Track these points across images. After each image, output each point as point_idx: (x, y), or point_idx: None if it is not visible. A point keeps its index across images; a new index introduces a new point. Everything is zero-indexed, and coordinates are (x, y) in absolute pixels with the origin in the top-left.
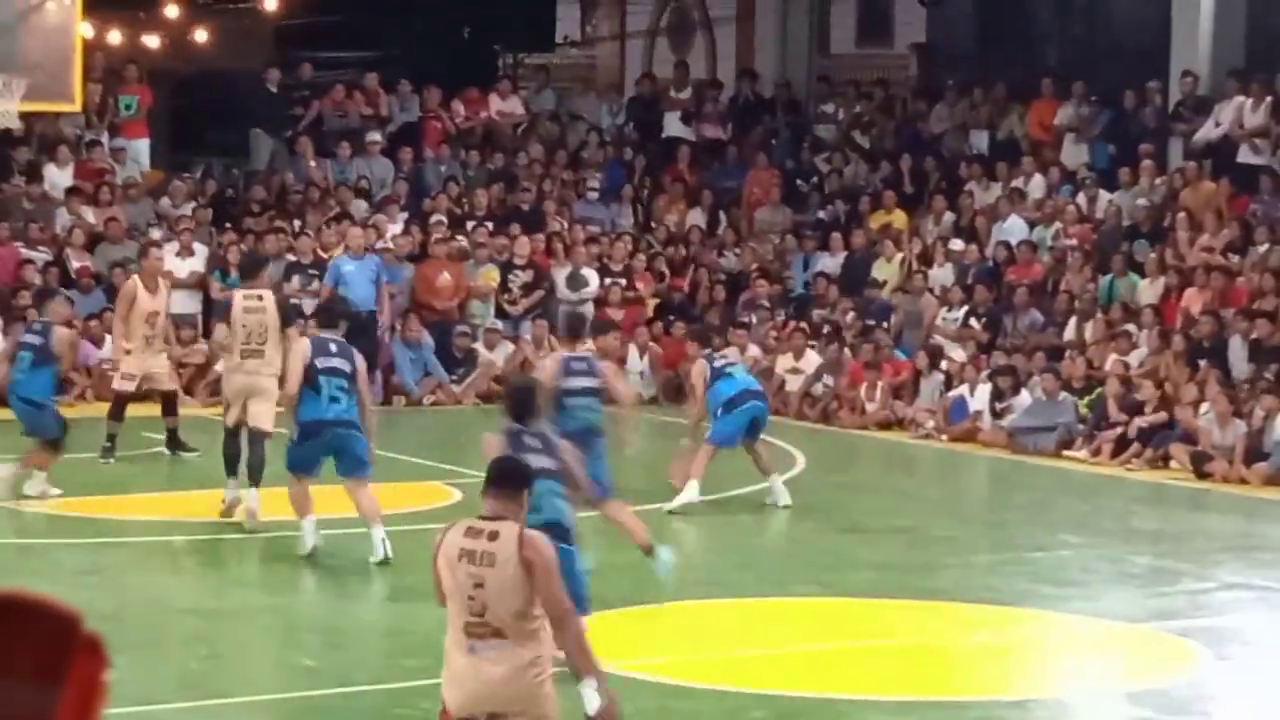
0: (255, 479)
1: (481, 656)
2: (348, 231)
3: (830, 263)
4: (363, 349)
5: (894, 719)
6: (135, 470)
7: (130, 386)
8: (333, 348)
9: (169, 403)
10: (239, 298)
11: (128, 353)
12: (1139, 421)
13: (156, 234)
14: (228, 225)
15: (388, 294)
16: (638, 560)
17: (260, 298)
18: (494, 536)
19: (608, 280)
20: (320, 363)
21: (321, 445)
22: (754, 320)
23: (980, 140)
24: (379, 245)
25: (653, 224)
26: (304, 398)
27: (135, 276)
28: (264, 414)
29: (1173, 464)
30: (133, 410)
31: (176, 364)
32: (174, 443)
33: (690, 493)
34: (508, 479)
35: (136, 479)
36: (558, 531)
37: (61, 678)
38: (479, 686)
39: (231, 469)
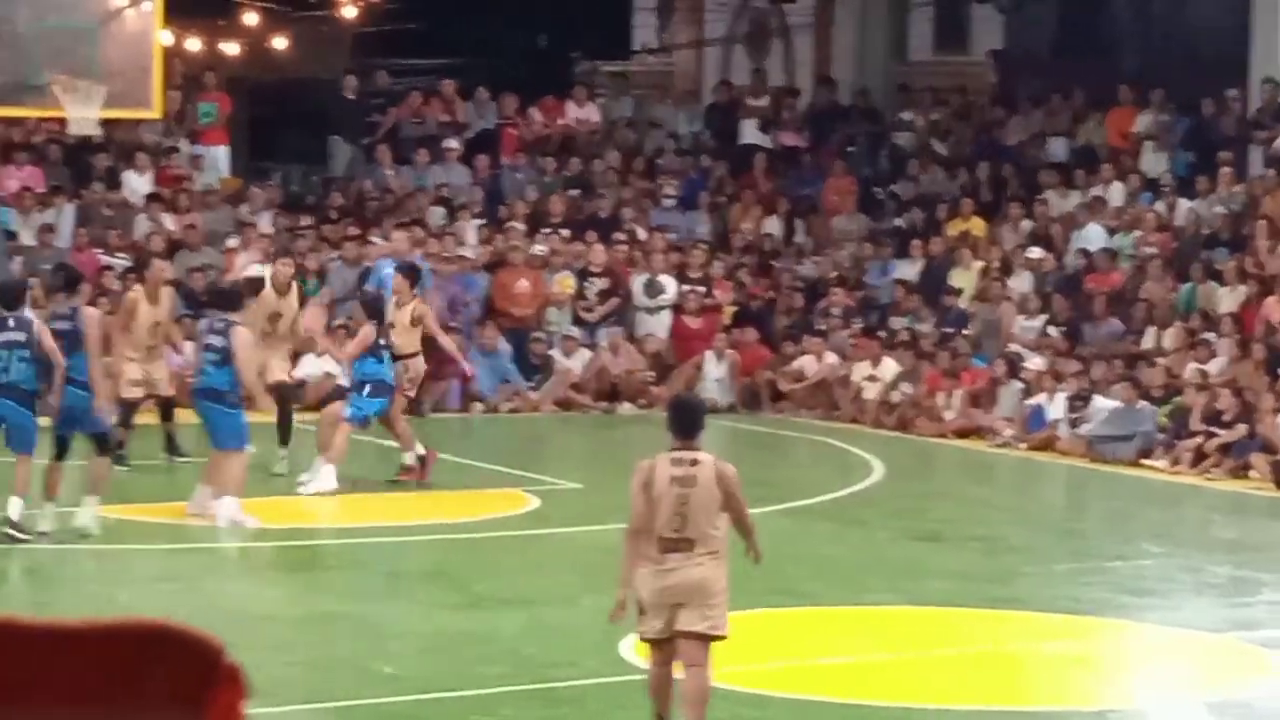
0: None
1: (668, 563)
2: (393, 235)
3: (908, 270)
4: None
5: None
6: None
7: (138, 393)
8: (10, 322)
9: (167, 408)
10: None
11: (131, 360)
12: (1218, 430)
13: (234, 241)
14: (304, 232)
15: (435, 299)
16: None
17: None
18: (695, 464)
19: (685, 288)
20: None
21: None
22: (830, 328)
23: (1058, 148)
24: (458, 253)
25: (730, 231)
26: None
27: (137, 287)
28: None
29: (1252, 473)
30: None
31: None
32: (172, 448)
33: None
34: (693, 421)
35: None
36: None
37: (203, 706)
38: (666, 581)
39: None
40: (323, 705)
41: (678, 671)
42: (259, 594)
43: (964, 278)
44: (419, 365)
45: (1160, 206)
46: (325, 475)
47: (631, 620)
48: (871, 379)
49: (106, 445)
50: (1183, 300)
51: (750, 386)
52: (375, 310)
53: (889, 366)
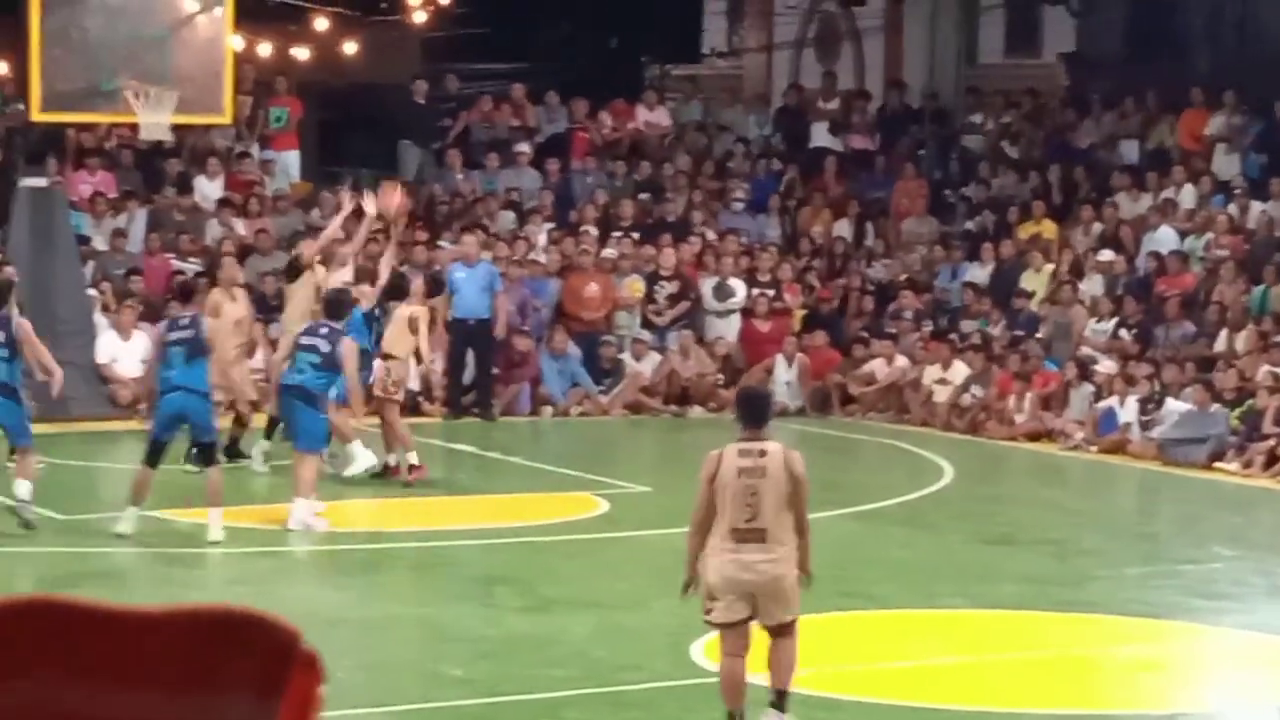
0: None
1: (744, 554)
2: (462, 238)
3: (978, 273)
4: (478, 356)
5: None
6: (279, 480)
7: (219, 397)
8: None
9: (241, 413)
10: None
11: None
12: None
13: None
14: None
15: (505, 301)
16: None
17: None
18: (763, 454)
19: (754, 291)
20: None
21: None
22: (900, 331)
23: (1130, 150)
24: (530, 257)
25: (799, 235)
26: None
27: (215, 290)
28: None
29: None
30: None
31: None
32: (233, 450)
33: None
34: (760, 410)
35: (282, 489)
36: None
37: (281, 691)
38: (739, 573)
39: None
40: (390, 709)
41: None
42: (326, 597)
43: (1035, 280)
44: (402, 369)
45: (1232, 209)
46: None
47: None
48: (942, 382)
49: (213, 456)
50: (1255, 302)
51: (820, 390)
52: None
53: (959, 370)
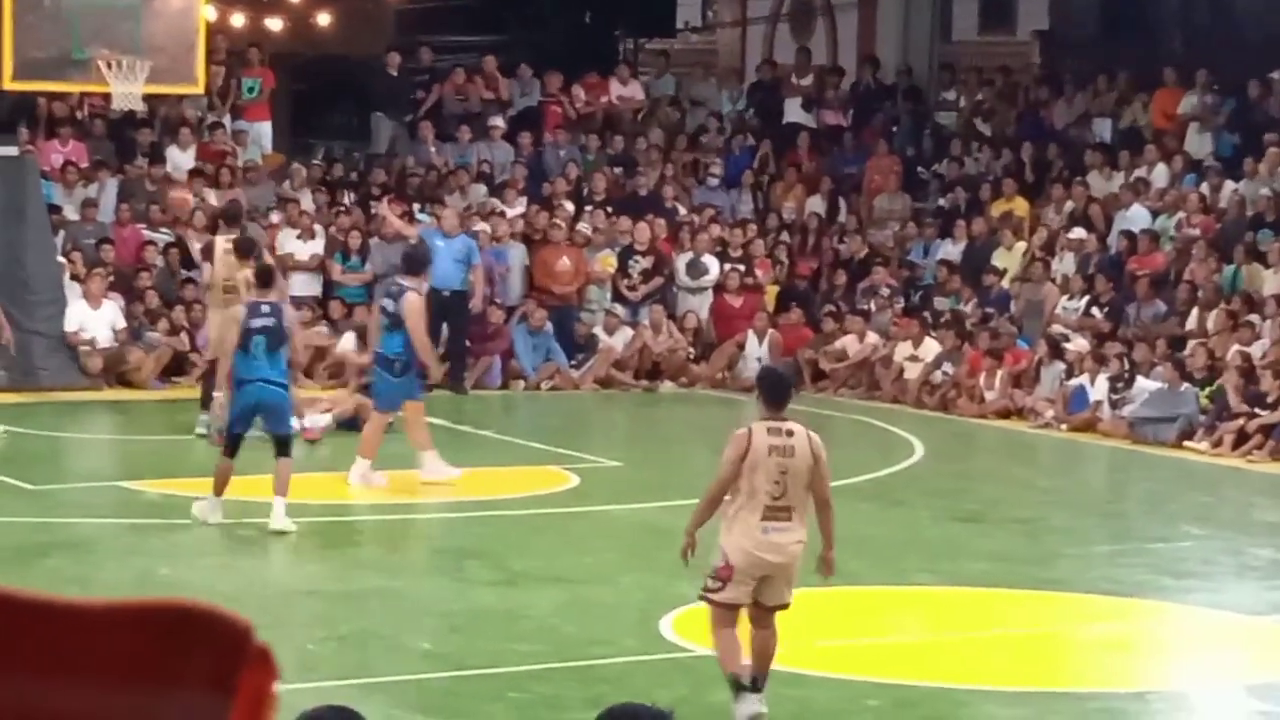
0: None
1: (771, 533)
2: (442, 211)
3: (950, 250)
4: (452, 329)
5: (1011, 709)
6: (251, 453)
7: None
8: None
9: None
10: (220, 241)
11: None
12: (1261, 412)
13: (276, 217)
14: (345, 208)
15: (482, 274)
16: None
17: (230, 240)
18: (790, 434)
19: (727, 266)
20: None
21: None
22: (873, 308)
23: (1103, 129)
24: (492, 228)
25: (772, 210)
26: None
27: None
28: None
29: None
30: None
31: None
32: None
33: None
34: (783, 391)
35: (254, 461)
36: None
37: (233, 688)
38: (766, 554)
39: (206, 403)
40: (359, 681)
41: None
42: (299, 569)
43: (1007, 258)
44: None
45: (1204, 188)
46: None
47: (668, 598)
48: (913, 359)
49: (289, 447)
50: (1226, 282)
51: (792, 365)
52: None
53: (931, 347)
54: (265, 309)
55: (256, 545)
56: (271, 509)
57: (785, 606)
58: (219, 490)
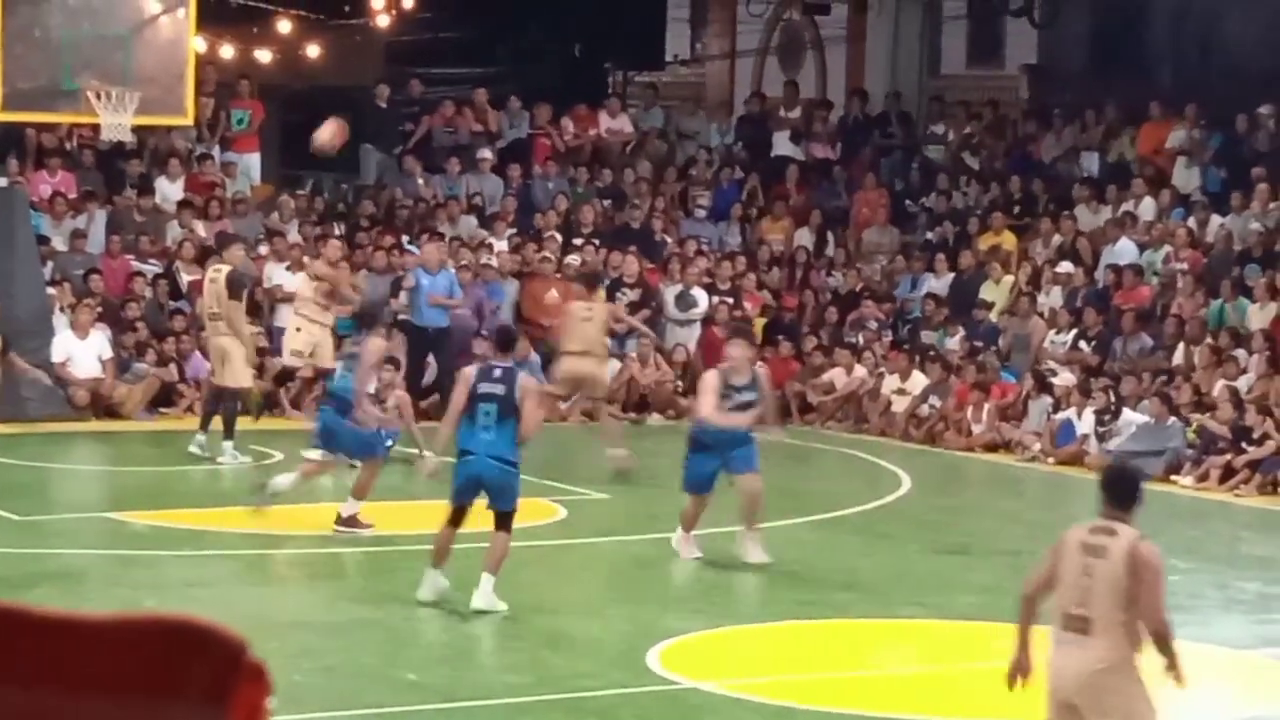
0: (228, 431)
1: (1066, 648)
2: (425, 247)
3: (938, 284)
4: (440, 364)
5: None
6: (240, 483)
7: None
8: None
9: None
10: (209, 271)
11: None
12: (1248, 447)
13: (265, 249)
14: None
15: (460, 303)
16: (742, 580)
17: (218, 271)
18: (1111, 533)
19: (715, 299)
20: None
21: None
22: (860, 341)
23: (1090, 162)
24: (484, 261)
25: (760, 243)
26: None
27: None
28: (229, 374)
29: None
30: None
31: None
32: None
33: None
34: (1120, 489)
35: (242, 491)
36: None
37: (227, 702)
38: (1057, 676)
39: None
40: (347, 713)
41: None
42: (286, 600)
43: (994, 292)
44: None
45: (1191, 222)
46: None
47: (656, 631)
48: (901, 392)
49: (509, 523)
50: (1213, 316)
51: (780, 398)
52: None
53: (918, 380)
54: (498, 373)
55: (242, 576)
56: (478, 586)
57: None
58: (437, 562)
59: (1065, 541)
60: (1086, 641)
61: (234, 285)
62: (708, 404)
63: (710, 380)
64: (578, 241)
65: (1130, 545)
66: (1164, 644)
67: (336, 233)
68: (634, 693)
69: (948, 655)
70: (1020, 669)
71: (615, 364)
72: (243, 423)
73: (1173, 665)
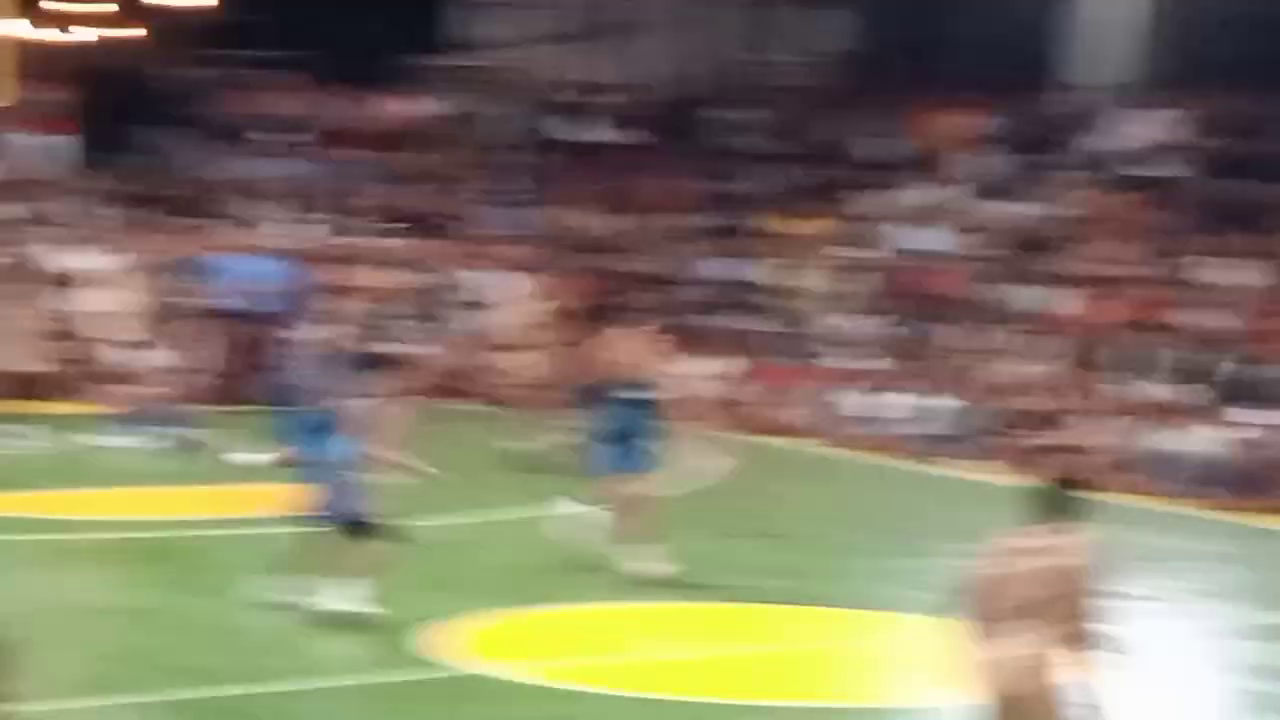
0: None
1: (1005, 647)
2: (222, 230)
3: (737, 268)
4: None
5: None
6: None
7: None
8: None
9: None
10: None
11: None
12: (1039, 430)
13: (75, 232)
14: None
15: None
16: (518, 564)
17: None
18: (1053, 536)
19: (517, 284)
20: None
21: None
22: (660, 324)
23: (884, 148)
24: (286, 245)
25: (565, 227)
26: None
27: None
28: None
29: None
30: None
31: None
32: None
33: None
34: (1061, 495)
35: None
36: None
37: None
38: (1002, 673)
39: None
40: (111, 700)
41: None
42: (52, 586)
43: (792, 276)
44: None
45: (986, 208)
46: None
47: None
48: (699, 376)
49: None
50: (1005, 302)
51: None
52: None
53: (710, 363)
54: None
55: (31, 562)
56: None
57: None
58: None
59: (1005, 544)
60: (1025, 644)
61: None
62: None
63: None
64: (379, 225)
65: (1074, 548)
66: (1084, 644)
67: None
68: (401, 681)
69: (725, 638)
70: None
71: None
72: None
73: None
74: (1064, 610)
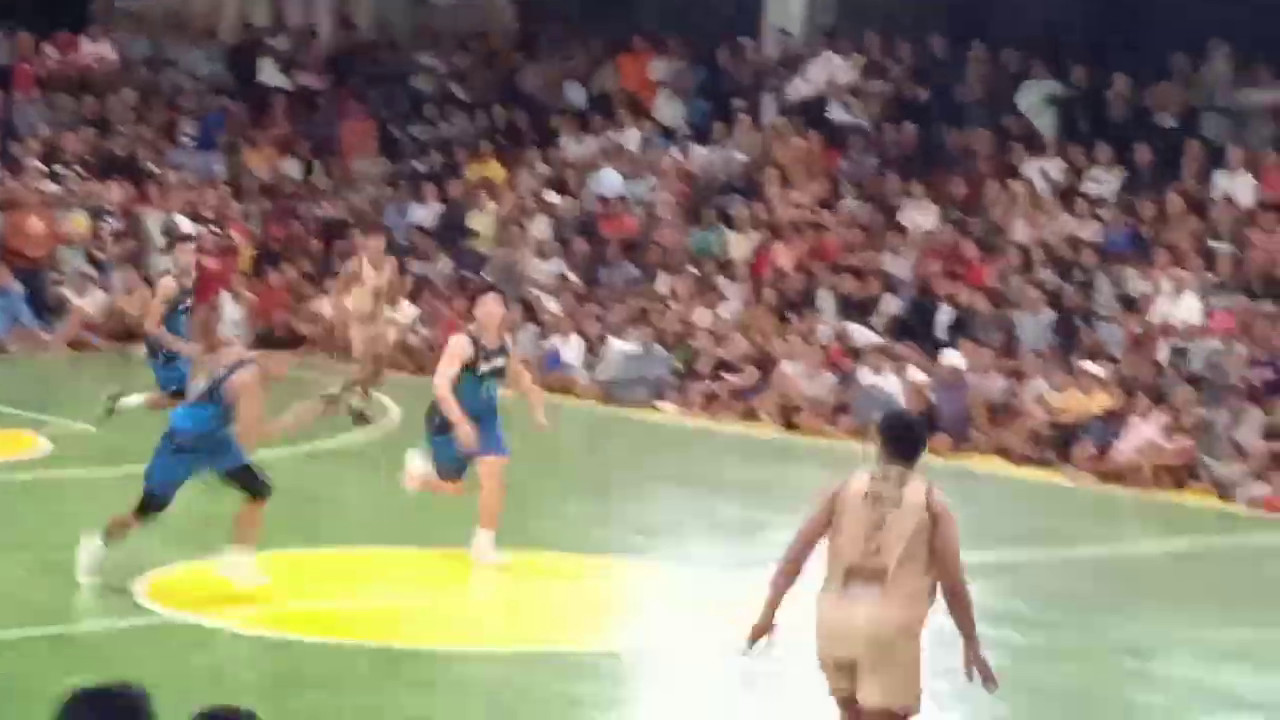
0: None
1: (851, 603)
2: None
3: (426, 214)
4: None
5: (493, 668)
6: None
7: None
8: None
9: None
10: None
11: None
12: (729, 375)
13: None
14: None
15: None
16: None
17: None
18: (901, 483)
19: (202, 228)
20: None
21: None
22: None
23: (576, 94)
24: None
25: (247, 172)
26: None
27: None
28: None
29: (762, 416)
30: None
31: None
32: None
33: None
34: (904, 439)
35: None
36: None
37: None
38: (839, 628)
39: None
40: None
41: None
42: None
43: (482, 221)
44: None
45: (676, 153)
46: None
47: (143, 563)
48: (389, 322)
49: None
50: (697, 246)
51: (268, 328)
52: None
53: (407, 310)
54: None
55: None
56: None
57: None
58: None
59: (845, 492)
60: (878, 597)
61: None
62: (444, 375)
63: (457, 346)
64: (60, 170)
65: (926, 496)
66: (960, 601)
67: None
68: (122, 627)
69: (442, 584)
70: (766, 630)
71: (100, 294)
72: None
73: (969, 634)
74: (913, 563)
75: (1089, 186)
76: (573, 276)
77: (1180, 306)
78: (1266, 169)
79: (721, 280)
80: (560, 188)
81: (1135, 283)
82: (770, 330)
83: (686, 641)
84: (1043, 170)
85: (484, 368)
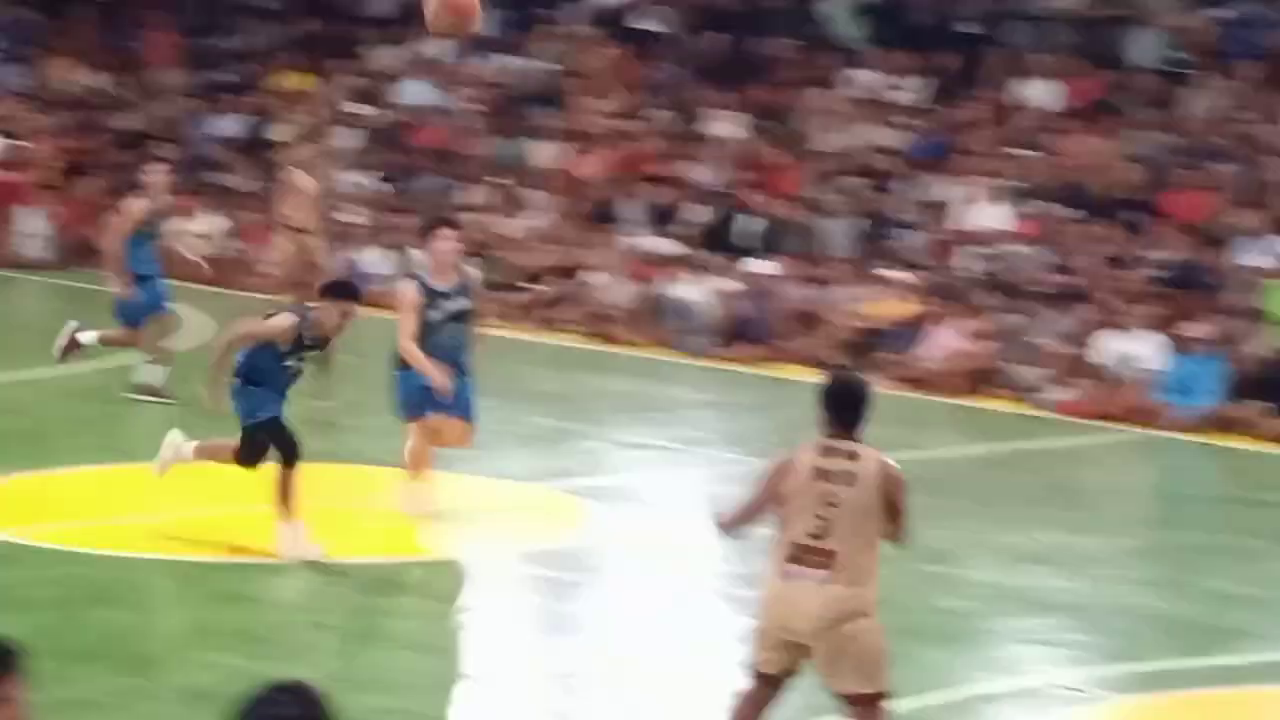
0: None
1: (799, 584)
2: None
3: (231, 125)
4: None
5: (298, 580)
6: None
7: None
8: None
9: None
10: None
11: None
12: (538, 284)
13: None
14: None
15: None
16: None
17: None
18: (852, 457)
19: (6, 142)
20: None
21: None
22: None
23: (382, 3)
24: None
25: (49, 84)
26: None
27: None
28: None
29: (569, 326)
30: None
31: None
32: None
33: None
34: (850, 408)
35: None
36: None
37: None
38: (789, 609)
39: None
40: None
41: None
42: None
43: (287, 133)
44: None
45: (481, 63)
46: None
47: None
48: (195, 235)
49: None
50: (503, 156)
51: (77, 242)
52: None
53: (213, 222)
54: None
55: None
56: None
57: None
58: None
59: (793, 465)
60: (827, 578)
61: None
62: (404, 332)
63: (408, 295)
64: None
65: (879, 468)
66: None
67: None
68: None
69: (245, 496)
70: (731, 530)
71: None
72: None
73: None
74: (861, 539)
75: (895, 95)
76: (379, 188)
77: (984, 213)
78: (1070, 76)
79: (528, 191)
80: (367, 98)
81: (940, 189)
82: (576, 241)
83: (495, 551)
84: (849, 78)
85: (437, 314)
